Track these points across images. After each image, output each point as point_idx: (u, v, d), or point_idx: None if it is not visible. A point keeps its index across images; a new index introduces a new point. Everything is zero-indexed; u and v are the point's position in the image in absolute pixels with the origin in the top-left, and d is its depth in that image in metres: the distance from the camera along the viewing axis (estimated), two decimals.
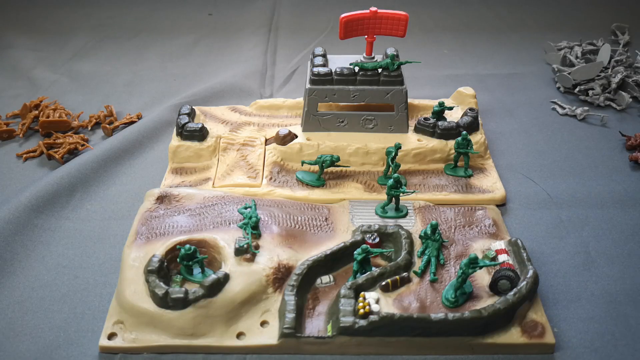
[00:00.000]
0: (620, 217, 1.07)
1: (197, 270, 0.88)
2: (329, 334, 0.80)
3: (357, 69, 1.14)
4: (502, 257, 0.90)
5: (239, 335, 0.82)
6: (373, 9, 1.10)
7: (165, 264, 0.87)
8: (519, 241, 0.91)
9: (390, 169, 1.09)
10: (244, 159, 1.14)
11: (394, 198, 1.01)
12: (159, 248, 0.89)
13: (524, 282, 0.83)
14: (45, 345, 0.82)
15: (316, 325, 0.82)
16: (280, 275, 0.87)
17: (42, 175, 1.17)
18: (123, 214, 1.07)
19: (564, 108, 1.41)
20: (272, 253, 0.89)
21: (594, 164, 1.22)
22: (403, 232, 0.93)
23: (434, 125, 1.16)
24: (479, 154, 1.14)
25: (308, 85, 1.14)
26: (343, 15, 1.09)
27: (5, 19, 2.00)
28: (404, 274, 0.87)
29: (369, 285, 0.85)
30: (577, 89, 1.48)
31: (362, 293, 0.83)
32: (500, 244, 0.93)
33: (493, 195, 1.08)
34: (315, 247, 0.93)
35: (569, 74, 1.49)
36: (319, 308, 0.85)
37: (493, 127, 1.34)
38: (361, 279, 0.85)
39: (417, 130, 1.18)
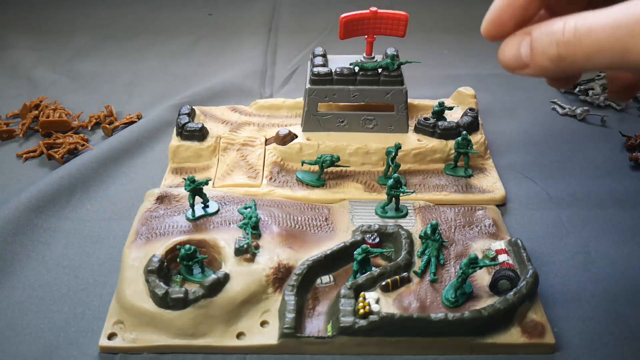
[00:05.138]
0: (620, 217, 1.06)
1: (197, 270, 0.88)
2: (329, 334, 0.80)
3: (357, 69, 1.14)
4: (502, 257, 0.90)
5: (239, 335, 0.82)
6: (373, 9, 1.10)
7: (165, 264, 0.87)
8: (519, 241, 0.91)
9: (390, 169, 1.09)
10: (244, 159, 1.14)
11: (394, 198, 1.01)
12: (159, 248, 0.89)
13: (524, 282, 0.83)
14: (45, 346, 0.82)
15: (316, 325, 0.82)
16: (280, 275, 0.87)
17: (42, 175, 1.17)
18: (123, 214, 1.07)
19: (564, 108, 1.41)
20: (272, 253, 0.89)
21: (594, 164, 1.22)
22: (403, 232, 0.93)
23: (434, 125, 1.16)
24: (478, 154, 1.14)
25: (308, 85, 1.14)
26: (343, 15, 1.09)
27: (5, 19, 2.00)
28: (404, 274, 0.87)
29: (369, 285, 0.85)
30: (577, 89, 1.48)
31: (362, 293, 0.83)
32: (500, 244, 0.93)
33: (493, 195, 1.08)
34: (315, 247, 0.93)
35: None
36: (319, 308, 0.85)
37: (493, 127, 1.34)
38: (361, 279, 0.85)
39: (417, 130, 1.18)
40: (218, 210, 0.97)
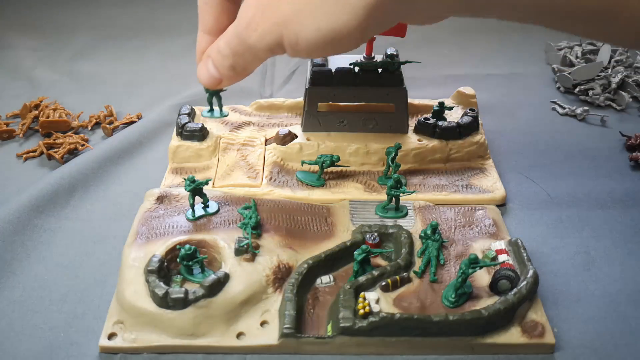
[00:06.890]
0: (620, 217, 1.06)
1: (197, 270, 0.88)
2: (329, 334, 0.80)
3: (357, 69, 1.13)
4: (502, 257, 0.90)
5: (239, 335, 0.82)
6: None
7: (165, 264, 0.87)
8: (519, 241, 0.91)
9: (390, 169, 1.09)
10: (244, 159, 1.14)
11: (394, 198, 1.01)
12: (159, 248, 0.89)
13: (524, 282, 0.83)
14: (45, 345, 0.82)
15: (316, 325, 0.82)
16: (280, 275, 0.87)
17: (42, 175, 1.17)
18: (123, 214, 1.07)
19: (564, 108, 1.41)
20: (272, 253, 0.89)
21: (594, 164, 1.22)
22: (403, 232, 0.93)
23: (434, 125, 1.16)
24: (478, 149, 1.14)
25: (308, 85, 1.14)
26: None
27: (5, 19, 2.00)
28: (404, 274, 0.87)
29: (369, 285, 0.85)
30: (577, 89, 1.48)
31: (362, 293, 0.83)
32: (500, 244, 0.93)
33: (493, 195, 1.08)
34: (315, 247, 0.93)
35: (569, 74, 1.49)
36: (319, 308, 0.85)
37: (493, 127, 1.33)
38: (361, 279, 0.85)
39: (417, 130, 1.18)
40: (218, 210, 0.97)
